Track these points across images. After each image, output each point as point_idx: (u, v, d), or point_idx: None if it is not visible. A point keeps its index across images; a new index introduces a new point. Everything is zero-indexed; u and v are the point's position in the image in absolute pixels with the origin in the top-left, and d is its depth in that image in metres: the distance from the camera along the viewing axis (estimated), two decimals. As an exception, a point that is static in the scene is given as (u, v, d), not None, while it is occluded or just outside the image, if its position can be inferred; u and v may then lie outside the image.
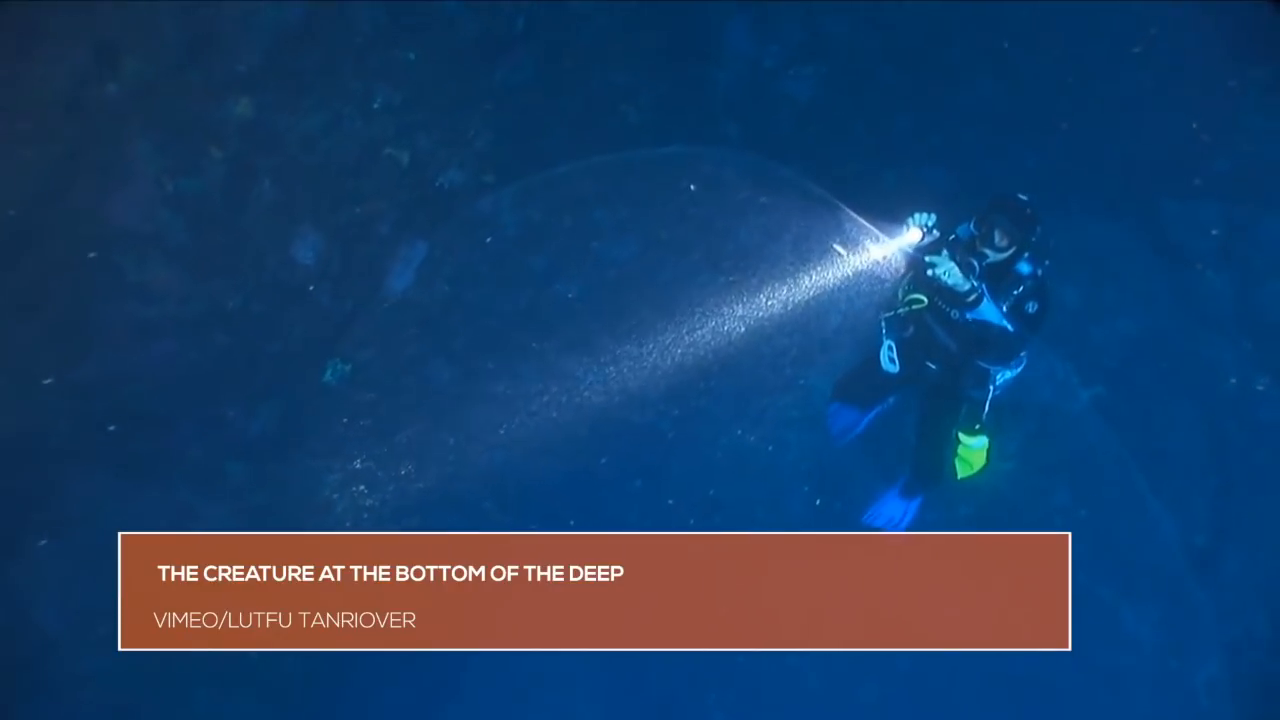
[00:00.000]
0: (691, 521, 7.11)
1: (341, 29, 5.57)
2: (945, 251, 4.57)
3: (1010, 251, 4.73)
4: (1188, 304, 7.85)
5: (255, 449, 6.42)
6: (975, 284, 4.59)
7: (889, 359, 5.14)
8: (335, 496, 6.64)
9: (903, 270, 5.05)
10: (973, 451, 5.29)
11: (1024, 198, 4.79)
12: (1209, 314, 7.85)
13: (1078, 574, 7.22)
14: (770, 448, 7.66)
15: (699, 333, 6.73)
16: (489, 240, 6.15)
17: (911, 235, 4.66)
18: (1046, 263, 4.88)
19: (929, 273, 4.53)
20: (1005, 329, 4.74)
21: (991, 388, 5.07)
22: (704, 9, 7.23)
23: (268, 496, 6.57)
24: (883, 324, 5.12)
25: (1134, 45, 7.17)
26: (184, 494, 6.43)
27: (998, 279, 4.77)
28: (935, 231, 4.66)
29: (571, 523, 6.82)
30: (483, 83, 6.17)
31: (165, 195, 5.24)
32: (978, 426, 5.17)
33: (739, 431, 7.43)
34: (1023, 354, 5.10)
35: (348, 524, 6.71)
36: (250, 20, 5.21)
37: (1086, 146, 7.32)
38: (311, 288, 5.52)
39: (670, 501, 7.22)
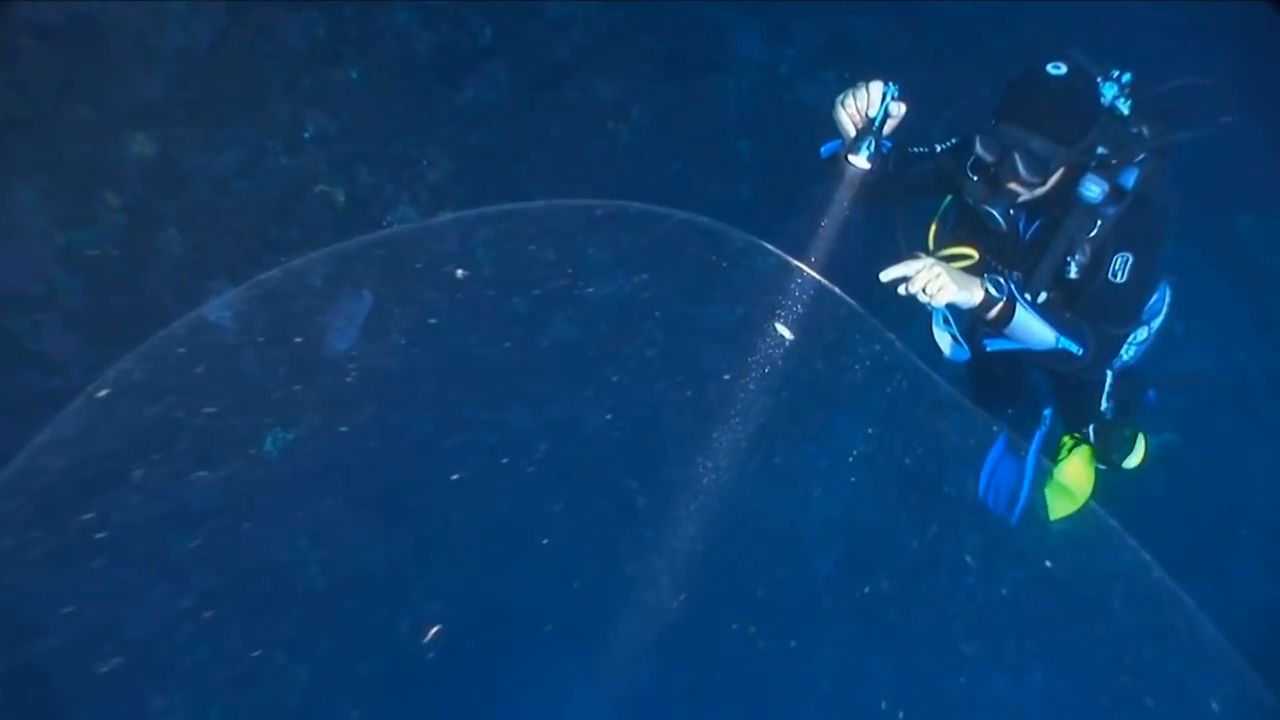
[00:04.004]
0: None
1: (265, 46, 4.74)
2: (924, 243, 2.84)
3: (1054, 177, 2.80)
4: (1270, 334, 6.93)
5: (200, 524, 5.74)
6: (996, 288, 2.68)
7: (949, 335, 3.11)
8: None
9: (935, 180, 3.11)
10: (1077, 475, 3.44)
11: (1057, 70, 2.71)
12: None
13: (1146, 652, 6.38)
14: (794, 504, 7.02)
15: (694, 384, 5.94)
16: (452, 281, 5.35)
17: (858, 163, 2.69)
18: (1141, 158, 2.85)
19: (904, 291, 2.61)
20: (1068, 353, 2.75)
21: (1109, 372, 3.30)
22: (705, 10, 6.38)
23: (214, 573, 5.93)
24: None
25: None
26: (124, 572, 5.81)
27: (1055, 219, 2.91)
28: (881, 144, 2.70)
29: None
30: (440, 103, 5.35)
31: (56, 250, 4.46)
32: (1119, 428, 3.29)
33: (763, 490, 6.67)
34: (1158, 294, 3.30)
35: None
36: (149, 40, 4.40)
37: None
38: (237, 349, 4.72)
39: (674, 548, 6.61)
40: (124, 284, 4.57)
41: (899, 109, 2.72)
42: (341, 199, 4.90)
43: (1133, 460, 3.46)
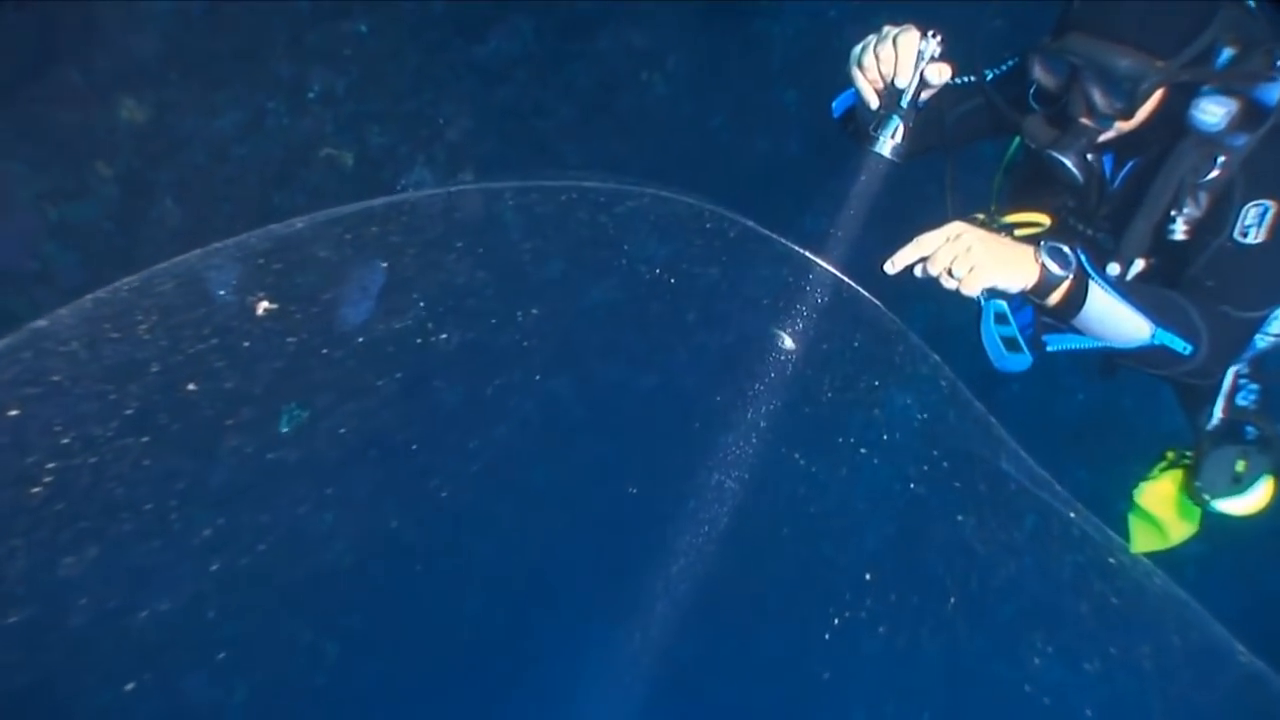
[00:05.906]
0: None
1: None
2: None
3: (1150, 104, 1.99)
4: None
5: (222, 501, 5.59)
6: (1058, 261, 1.84)
7: (998, 341, 2.25)
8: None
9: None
10: (1173, 512, 2.52)
11: None
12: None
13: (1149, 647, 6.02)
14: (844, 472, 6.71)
15: (734, 358, 5.63)
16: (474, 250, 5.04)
17: (891, 141, 1.92)
18: None
19: (922, 273, 1.88)
20: (1170, 352, 1.91)
21: (1227, 371, 2.40)
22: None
23: (238, 551, 5.79)
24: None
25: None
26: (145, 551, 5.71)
27: (1156, 157, 2.10)
28: (910, 121, 1.91)
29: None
30: (459, 56, 5.00)
31: (49, 225, 4.22)
32: (1236, 466, 2.37)
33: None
34: None
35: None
36: (139, -4, 4.09)
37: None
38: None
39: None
40: (120, 257, 4.32)
41: (940, 73, 1.87)
42: (350, 162, 4.59)
43: (1240, 504, 2.41)
